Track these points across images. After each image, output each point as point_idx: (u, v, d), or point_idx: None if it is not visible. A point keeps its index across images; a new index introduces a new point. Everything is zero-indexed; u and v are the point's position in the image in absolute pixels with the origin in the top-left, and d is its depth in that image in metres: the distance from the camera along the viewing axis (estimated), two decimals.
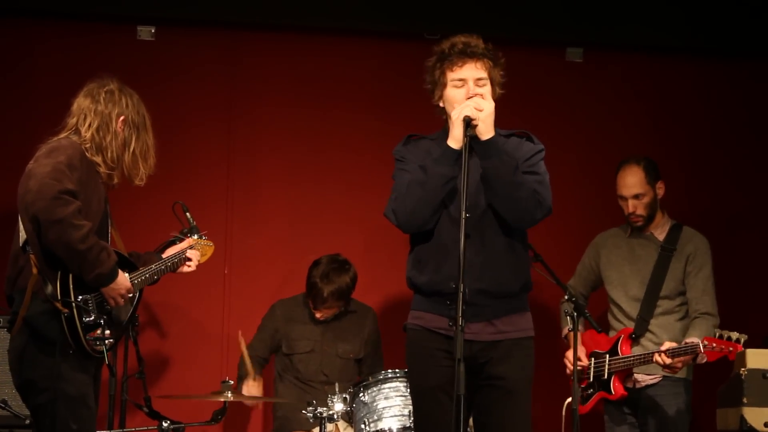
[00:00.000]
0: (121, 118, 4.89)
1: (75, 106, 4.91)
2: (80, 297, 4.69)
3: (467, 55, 4.60)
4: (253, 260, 6.90)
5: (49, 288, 4.64)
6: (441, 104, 4.68)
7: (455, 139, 4.52)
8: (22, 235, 4.72)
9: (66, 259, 4.64)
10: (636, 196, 6.04)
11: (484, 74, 4.61)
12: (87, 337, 4.69)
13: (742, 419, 5.70)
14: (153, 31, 6.83)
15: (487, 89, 4.61)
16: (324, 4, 6.86)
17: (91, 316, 4.70)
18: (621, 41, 7.13)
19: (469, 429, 5.01)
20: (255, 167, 6.93)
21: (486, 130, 4.52)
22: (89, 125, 4.85)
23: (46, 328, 4.66)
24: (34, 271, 4.66)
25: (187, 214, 5.63)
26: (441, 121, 4.74)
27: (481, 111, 4.50)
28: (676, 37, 7.12)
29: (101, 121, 4.85)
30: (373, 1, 6.91)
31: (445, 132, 4.66)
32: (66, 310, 4.64)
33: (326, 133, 6.99)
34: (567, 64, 7.17)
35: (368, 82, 7.03)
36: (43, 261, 4.67)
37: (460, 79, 4.60)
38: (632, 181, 6.04)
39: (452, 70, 4.61)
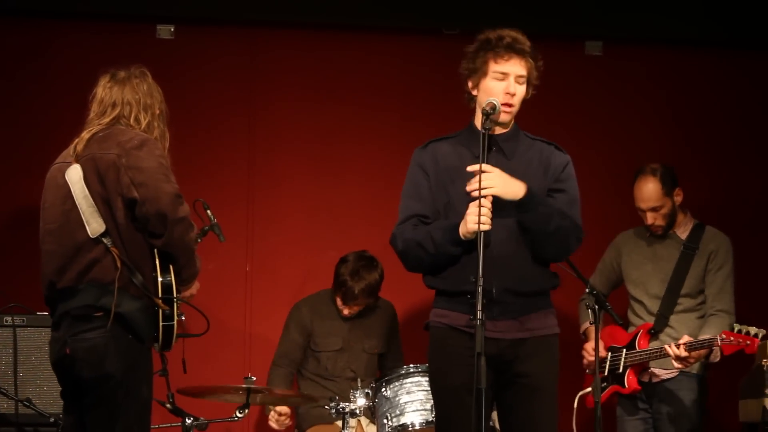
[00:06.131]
0: (158, 111, 4.79)
1: (110, 96, 4.74)
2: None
3: (515, 51, 4.58)
4: (275, 257, 6.91)
5: (139, 280, 4.53)
6: (474, 92, 4.65)
7: (466, 231, 4.50)
8: (95, 227, 4.54)
9: (179, 256, 4.59)
10: (653, 209, 6.01)
11: (525, 73, 4.59)
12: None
13: (765, 410, 5.69)
14: (172, 29, 6.85)
15: (523, 88, 4.61)
16: (342, 0, 6.86)
17: (181, 314, 4.67)
18: (641, 34, 7.08)
19: (492, 423, 5.02)
20: (276, 164, 6.94)
21: (513, 195, 4.50)
22: (136, 118, 4.70)
23: (142, 325, 4.56)
24: (119, 264, 4.53)
25: (208, 211, 5.63)
26: (461, 115, 4.73)
27: (492, 188, 4.46)
28: (697, 29, 7.08)
29: (151, 116, 4.73)
30: None
31: (469, 131, 4.68)
32: (167, 308, 4.58)
33: (347, 129, 6.99)
34: (586, 57, 7.13)
35: (388, 78, 7.03)
36: (140, 256, 4.56)
37: (503, 73, 4.58)
38: (648, 194, 5.99)
39: (497, 62, 4.58)
